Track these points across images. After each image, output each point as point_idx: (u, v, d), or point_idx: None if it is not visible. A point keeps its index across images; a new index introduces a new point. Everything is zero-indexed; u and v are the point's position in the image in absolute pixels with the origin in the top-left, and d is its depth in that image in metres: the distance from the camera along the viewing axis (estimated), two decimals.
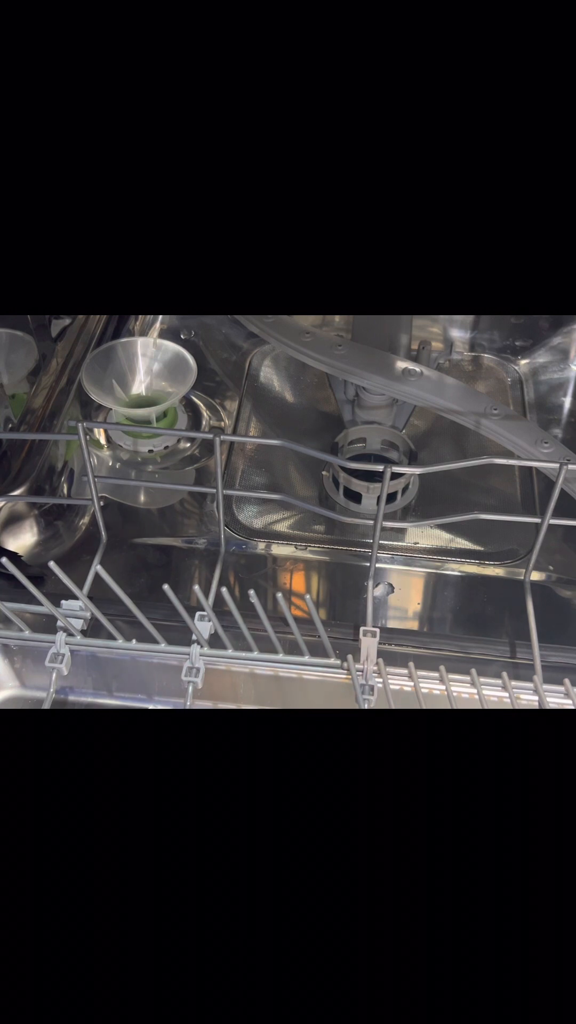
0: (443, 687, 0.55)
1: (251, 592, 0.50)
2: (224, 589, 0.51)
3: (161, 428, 0.82)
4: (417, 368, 0.76)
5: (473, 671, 0.55)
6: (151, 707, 0.63)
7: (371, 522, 0.69)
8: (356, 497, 0.78)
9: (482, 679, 0.55)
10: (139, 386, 0.84)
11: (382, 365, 0.76)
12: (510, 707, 0.55)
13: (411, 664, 0.55)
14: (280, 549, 0.74)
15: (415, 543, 0.75)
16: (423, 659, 0.58)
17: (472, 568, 0.73)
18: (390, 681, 0.55)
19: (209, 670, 0.57)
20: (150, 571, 0.71)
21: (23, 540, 0.70)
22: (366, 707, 0.54)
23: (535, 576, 0.69)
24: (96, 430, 0.83)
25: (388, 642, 0.61)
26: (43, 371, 0.81)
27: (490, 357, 0.95)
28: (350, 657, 0.56)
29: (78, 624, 0.58)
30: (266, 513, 0.78)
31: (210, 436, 0.58)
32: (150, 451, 0.82)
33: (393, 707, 0.53)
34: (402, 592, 0.71)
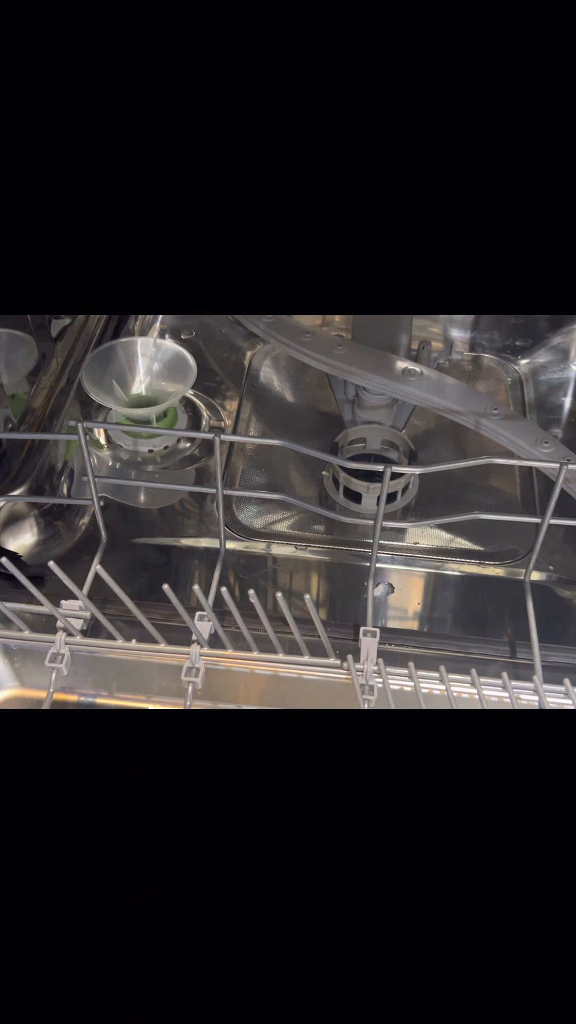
0: (443, 687, 0.55)
1: (251, 592, 0.50)
2: (224, 589, 0.51)
3: (161, 428, 0.82)
4: (417, 368, 0.76)
5: (473, 671, 0.55)
6: (151, 707, 0.63)
7: (371, 522, 0.69)
8: (356, 497, 0.78)
9: (482, 679, 0.55)
10: (139, 386, 0.84)
11: (382, 365, 0.76)
12: (510, 707, 0.55)
13: (411, 664, 0.55)
14: (280, 549, 0.74)
15: (415, 543, 0.75)
16: (423, 659, 0.58)
17: (472, 568, 0.73)
18: (390, 681, 0.55)
19: (209, 670, 0.57)
20: (150, 571, 0.71)
21: (23, 540, 0.70)
22: (366, 707, 0.54)
23: (535, 576, 0.69)
24: (96, 430, 0.83)
25: (388, 642, 0.61)
26: (43, 371, 0.81)
27: (490, 357, 0.95)
28: (350, 657, 0.56)
29: (78, 624, 0.58)
30: (266, 513, 0.78)
31: (210, 436, 0.58)
32: (150, 451, 0.82)
33: (393, 707, 0.53)
34: (402, 592, 0.71)
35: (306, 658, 0.56)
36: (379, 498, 0.58)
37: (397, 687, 0.55)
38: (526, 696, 0.55)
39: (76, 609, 0.59)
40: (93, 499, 0.63)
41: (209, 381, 0.91)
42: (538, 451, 0.71)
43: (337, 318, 0.97)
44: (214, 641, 0.57)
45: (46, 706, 0.56)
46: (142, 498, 0.79)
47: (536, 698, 0.55)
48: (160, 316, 0.97)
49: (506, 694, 0.55)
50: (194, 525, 0.76)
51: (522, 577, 0.64)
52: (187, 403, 0.88)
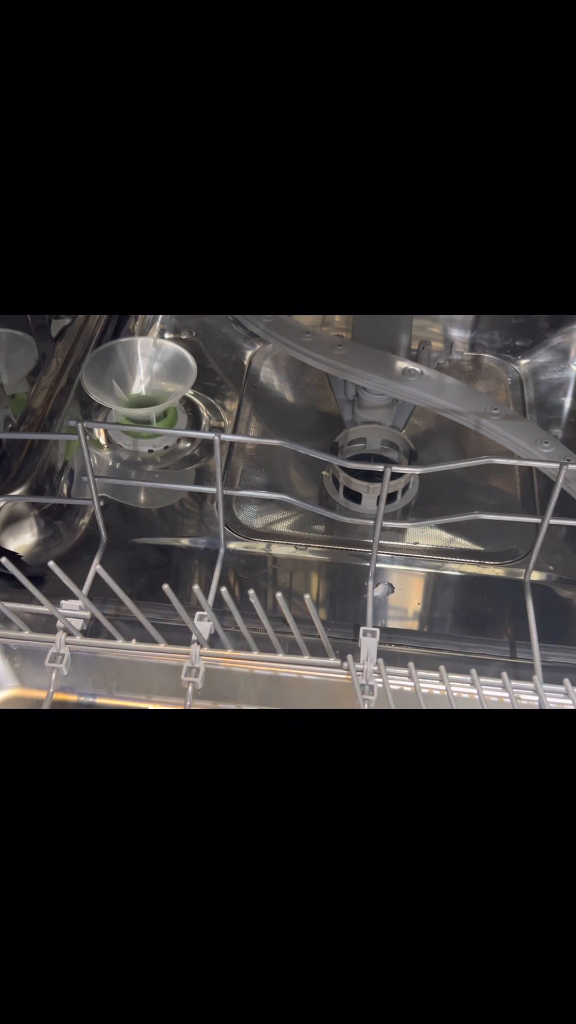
0: (443, 687, 0.55)
1: (251, 592, 0.50)
2: (224, 589, 0.51)
3: (161, 428, 0.82)
4: (417, 368, 0.76)
5: (473, 671, 0.55)
6: (151, 707, 0.63)
7: (371, 522, 0.69)
8: (356, 497, 0.78)
9: (482, 679, 0.55)
10: (139, 386, 0.84)
11: (382, 365, 0.76)
12: (510, 707, 0.55)
13: (411, 664, 0.55)
14: (280, 549, 0.74)
15: (415, 543, 0.75)
16: (423, 659, 0.58)
17: (472, 568, 0.73)
18: (390, 681, 0.55)
19: (209, 670, 0.57)
20: (150, 571, 0.71)
21: (23, 540, 0.70)
22: (366, 707, 0.54)
23: (535, 576, 0.69)
24: (96, 430, 0.83)
25: (388, 642, 0.61)
26: (43, 371, 0.81)
27: (490, 357, 0.95)
28: (350, 657, 0.56)
29: (78, 624, 0.58)
30: (266, 513, 0.78)
31: (210, 436, 0.58)
32: (150, 451, 0.82)
33: (393, 707, 0.53)
34: (402, 592, 0.71)
35: (306, 658, 0.56)
36: (379, 498, 0.58)
37: (397, 687, 0.55)
38: (526, 696, 0.55)
39: (76, 609, 0.59)
40: (93, 499, 0.63)
41: (209, 381, 0.91)
42: (538, 451, 0.71)
43: (337, 318, 0.97)
44: (214, 641, 0.57)
45: (46, 706, 0.56)
46: (142, 498, 0.79)
47: (536, 698, 0.55)
48: (160, 316, 0.97)
49: (506, 694, 0.55)
50: (194, 525, 0.76)
51: (522, 577, 0.64)
52: (187, 403, 0.88)
